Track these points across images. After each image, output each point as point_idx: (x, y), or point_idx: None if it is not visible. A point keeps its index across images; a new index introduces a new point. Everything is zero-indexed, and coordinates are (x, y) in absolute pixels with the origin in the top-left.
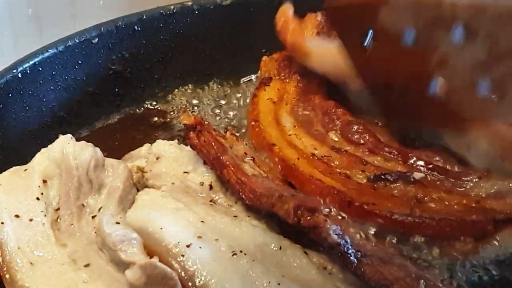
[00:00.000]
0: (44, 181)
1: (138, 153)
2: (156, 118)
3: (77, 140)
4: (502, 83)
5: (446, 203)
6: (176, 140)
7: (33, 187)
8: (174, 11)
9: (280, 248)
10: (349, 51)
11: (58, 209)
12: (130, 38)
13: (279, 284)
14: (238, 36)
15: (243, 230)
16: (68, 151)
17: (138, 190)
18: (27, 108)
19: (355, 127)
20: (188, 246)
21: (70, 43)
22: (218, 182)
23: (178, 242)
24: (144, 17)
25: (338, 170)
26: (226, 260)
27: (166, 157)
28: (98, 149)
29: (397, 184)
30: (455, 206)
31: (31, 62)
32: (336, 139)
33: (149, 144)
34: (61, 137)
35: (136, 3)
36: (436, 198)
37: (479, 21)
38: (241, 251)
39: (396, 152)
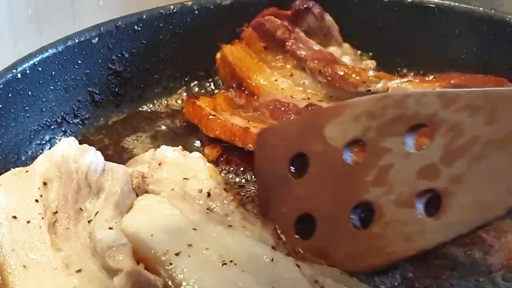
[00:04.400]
0: (45, 184)
1: (142, 158)
2: (156, 118)
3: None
4: (447, 190)
5: None
6: (180, 147)
7: (33, 189)
8: (174, 11)
9: (272, 259)
10: (270, 186)
11: (56, 212)
12: (130, 38)
13: None
14: (237, 35)
15: (236, 240)
16: (68, 154)
17: (138, 195)
18: (26, 108)
19: (314, 107)
20: (177, 254)
21: (70, 43)
22: (217, 190)
23: (167, 250)
24: (144, 17)
25: None
26: (215, 270)
27: (168, 163)
28: (99, 153)
29: None
30: None
31: (30, 62)
32: None
33: (154, 150)
34: (64, 139)
35: (136, 3)
36: None
37: (445, 114)
38: (231, 261)
39: None
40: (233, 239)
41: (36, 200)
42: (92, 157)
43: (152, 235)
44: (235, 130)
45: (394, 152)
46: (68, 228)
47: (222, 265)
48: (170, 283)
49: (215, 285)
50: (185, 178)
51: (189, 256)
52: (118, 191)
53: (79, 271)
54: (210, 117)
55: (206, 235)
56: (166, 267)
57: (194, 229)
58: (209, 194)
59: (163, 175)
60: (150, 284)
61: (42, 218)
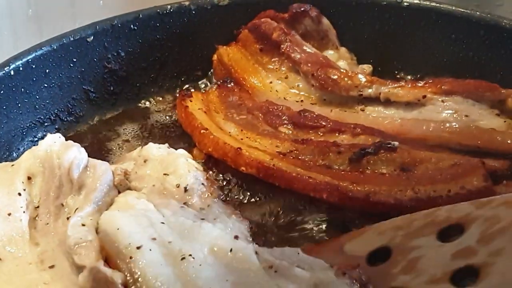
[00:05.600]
0: (29, 178)
1: (130, 155)
2: (151, 118)
3: (70, 138)
4: (485, 263)
5: (433, 159)
6: (166, 144)
7: (17, 182)
8: (171, 10)
9: (231, 250)
10: None
11: (38, 207)
12: (126, 37)
13: None
14: (235, 36)
15: (201, 233)
16: (52, 150)
17: (120, 192)
18: (19, 105)
19: (306, 113)
20: (138, 248)
21: (64, 41)
22: (195, 185)
23: (129, 243)
24: (141, 16)
25: (316, 162)
26: (174, 264)
27: (153, 160)
28: (82, 150)
29: (381, 155)
30: (445, 162)
31: (24, 60)
32: (289, 132)
33: (141, 147)
34: (49, 135)
35: (137, 3)
36: (423, 157)
37: (479, 212)
38: (190, 255)
39: (361, 126)
40: (199, 232)
41: (19, 194)
42: (75, 153)
43: (118, 229)
44: (227, 150)
45: (425, 247)
46: (47, 224)
47: (181, 259)
48: (129, 277)
49: (171, 280)
50: (165, 174)
51: (150, 250)
52: (98, 187)
53: (52, 266)
54: (202, 131)
55: (173, 228)
56: (127, 261)
57: (162, 222)
58: (186, 189)
59: (147, 171)
60: (107, 280)
61: (24, 212)
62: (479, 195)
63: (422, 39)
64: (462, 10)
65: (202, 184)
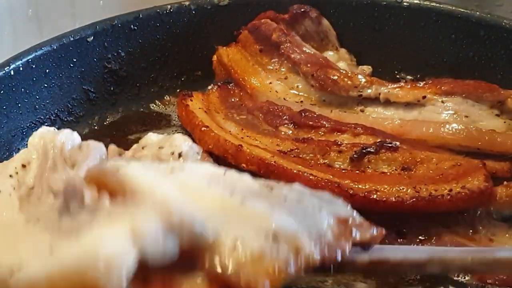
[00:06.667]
0: (24, 166)
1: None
2: (151, 118)
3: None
4: None
5: (435, 160)
6: (165, 134)
7: (10, 168)
8: (171, 10)
9: (225, 173)
10: None
11: (33, 188)
12: (126, 37)
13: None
14: (235, 37)
15: (190, 168)
16: (46, 136)
17: None
18: (19, 105)
19: (307, 113)
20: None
21: (64, 41)
22: (190, 152)
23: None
24: (141, 16)
25: (317, 161)
26: (164, 176)
27: (150, 144)
28: (75, 133)
29: (382, 154)
30: (446, 162)
31: (24, 60)
32: (290, 131)
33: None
34: (42, 127)
35: (137, 3)
36: (424, 157)
37: None
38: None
39: (362, 126)
40: (186, 172)
41: (10, 176)
42: (67, 134)
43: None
44: (228, 147)
45: None
46: (39, 198)
47: (171, 172)
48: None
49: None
50: (160, 147)
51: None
52: (90, 155)
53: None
54: (203, 129)
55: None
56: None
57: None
58: (180, 155)
59: (144, 153)
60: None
61: (14, 189)
62: (480, 195)
63: (422, 39)
64: (462, 10)
65: (197, 153)
